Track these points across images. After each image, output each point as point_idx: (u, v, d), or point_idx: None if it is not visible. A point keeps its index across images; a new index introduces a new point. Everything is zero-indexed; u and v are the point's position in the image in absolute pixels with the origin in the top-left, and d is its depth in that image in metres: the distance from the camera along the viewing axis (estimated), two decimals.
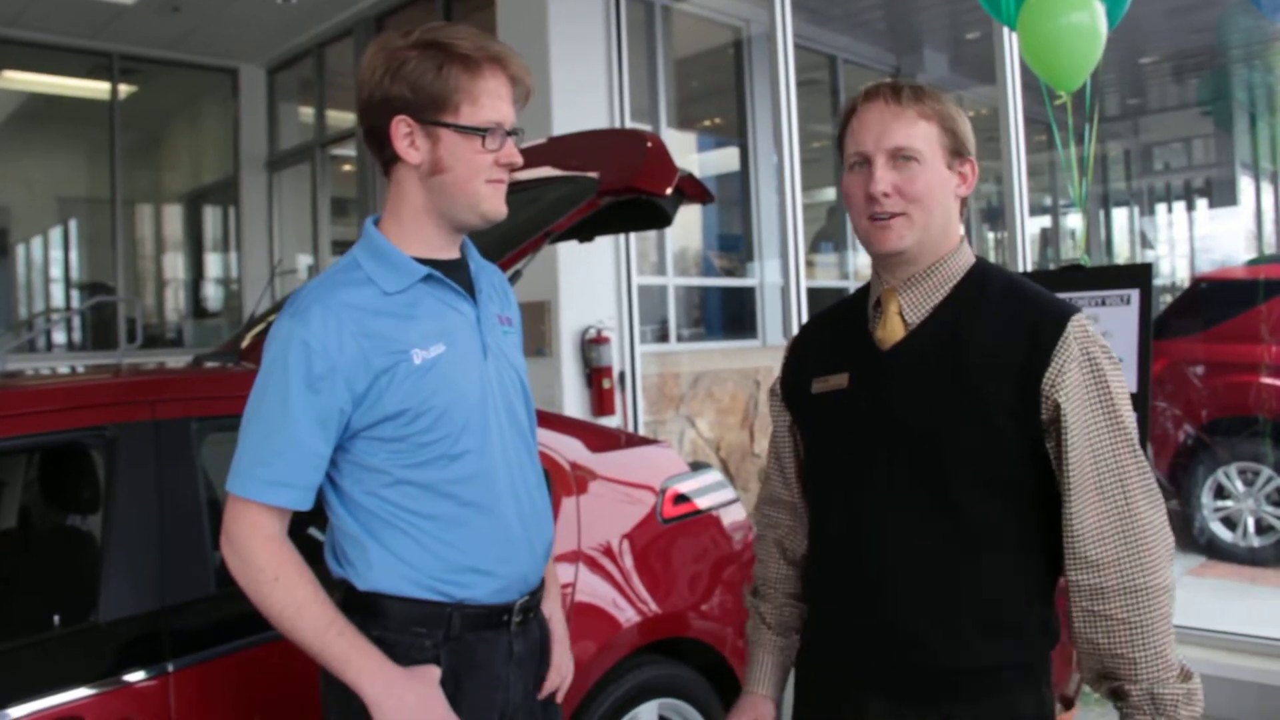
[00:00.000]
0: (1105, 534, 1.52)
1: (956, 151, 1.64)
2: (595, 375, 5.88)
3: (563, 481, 2.73)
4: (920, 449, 1.57)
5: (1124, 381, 1.59)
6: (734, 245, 8.22)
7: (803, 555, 1.85)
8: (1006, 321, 1.59)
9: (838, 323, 1.80)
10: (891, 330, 1.66)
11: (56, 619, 2.13)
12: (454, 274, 1.79)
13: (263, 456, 1.64)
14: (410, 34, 1.71)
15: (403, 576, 1.70)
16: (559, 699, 1.97)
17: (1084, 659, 1.57)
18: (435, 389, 1.69)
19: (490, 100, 1.70)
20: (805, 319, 5.47)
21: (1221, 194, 11.20)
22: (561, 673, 1.96)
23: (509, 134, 1.73)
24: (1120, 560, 1.50)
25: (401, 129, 1.70)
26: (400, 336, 1.68)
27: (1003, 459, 1.55)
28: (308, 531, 2.38)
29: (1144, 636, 1.50)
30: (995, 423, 1.54)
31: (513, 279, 2.60)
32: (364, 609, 1.71)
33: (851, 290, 1.86)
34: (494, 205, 1.75)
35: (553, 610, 1.99)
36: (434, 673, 1.68)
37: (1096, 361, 1.54)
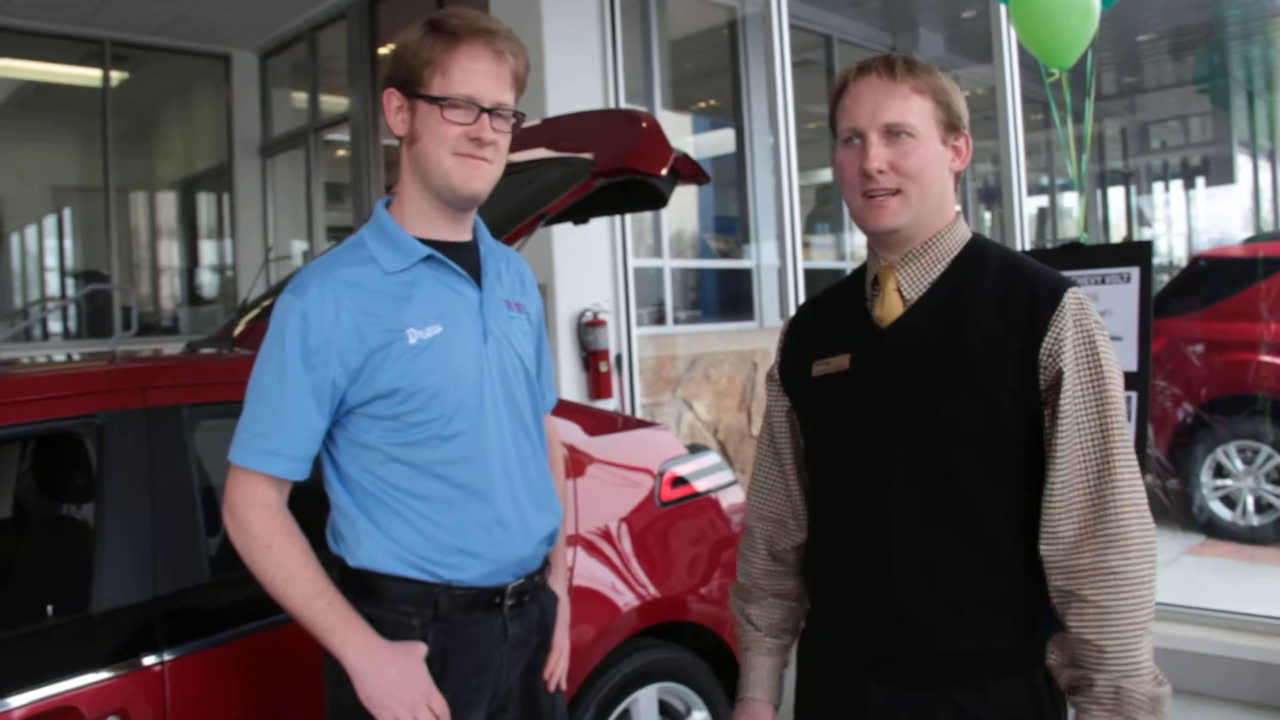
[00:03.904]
0: (1078, 508, 1.49)
1: (951, 126, 1.62)
2: (592, 358, 5.86)
3: None
4: (923, 427, 1.55)
5: (1116, 359, 1.56)
6: (730, 227, 8.20)
7: (790, 549, 1.81)
8: (1004, 295, 1.57)
9: (835, 304, 1.77)
10: (890, 307, 1.63)
11: (49, 609, 2.11)
12: (460, 256, 1.79)
13: (260, 427, 1.69)
14: None
15: (391, 554, 1.72)
16: (557, 683, 1.95)
17: (1054, 643, 1.53)
18: (429, 369, 1.70)
19: (462, 73, 1.69)
20: (802, 300, 5.45)
21: (1219, 172, 11.18)
22: (560, 653, 1.95)
23: (487, 111, 1.71)
24: (1095, 538, 1.47)
25: (393, 102, 1.75)
26: (396, 316, 1.70)
27: (1003, 436, 1.53)
28: None
29: (1115, 623, 1.44)
30: (995, 399, 1.52)
31: None
32: (356, 586, 1.73)
33: (848, 271, 1.83)
34: (461, 179, 1.72)
35: (559, 593, 1.99)
36: (419, 649, 1.71)
37: (1091, 334, 1.52)
